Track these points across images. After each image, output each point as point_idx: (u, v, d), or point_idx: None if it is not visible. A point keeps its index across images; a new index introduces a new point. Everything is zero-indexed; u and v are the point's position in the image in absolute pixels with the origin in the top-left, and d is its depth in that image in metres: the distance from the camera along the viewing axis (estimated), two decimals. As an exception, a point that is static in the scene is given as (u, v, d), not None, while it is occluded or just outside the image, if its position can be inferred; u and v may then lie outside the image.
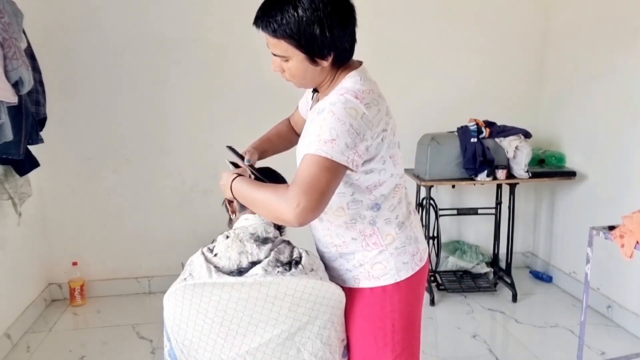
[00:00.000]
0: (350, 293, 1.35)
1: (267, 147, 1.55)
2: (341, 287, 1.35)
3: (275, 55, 1.22)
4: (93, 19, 2.93)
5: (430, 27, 3.25)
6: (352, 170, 1.15)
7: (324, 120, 1.14)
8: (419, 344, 1.42)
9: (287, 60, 1.21)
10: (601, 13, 2.90)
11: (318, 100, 1.33)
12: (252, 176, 1.37)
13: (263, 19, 1.17)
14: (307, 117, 1.48)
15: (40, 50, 2.56)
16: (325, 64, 1.21)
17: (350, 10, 1.19)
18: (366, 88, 1.20)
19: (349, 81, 1.23)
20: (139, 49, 3.00)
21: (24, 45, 2.29)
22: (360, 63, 1.29)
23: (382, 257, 1.30)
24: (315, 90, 1.38)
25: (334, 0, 1.16)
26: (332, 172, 1.11)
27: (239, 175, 1.29)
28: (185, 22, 3.03)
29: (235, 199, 1.28)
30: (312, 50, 1.17)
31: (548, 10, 3.34)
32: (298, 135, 1.61)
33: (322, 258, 1.40)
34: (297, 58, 1.19)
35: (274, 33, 1.16)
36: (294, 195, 1.07)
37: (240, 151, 1.46)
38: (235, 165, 1.43)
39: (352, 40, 1.22)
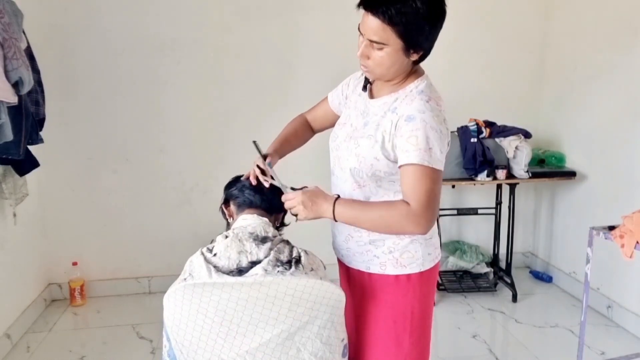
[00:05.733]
0: (374, 279, 1.40)
1: (285, 148, 1.58)
2: (362, 273, 1.41)
3: (371, 41, 1.21)
4: (93, 19, 2.93)
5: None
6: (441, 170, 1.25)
7: (418, 130, 1.21)
8: (430, 334, 1.50)
9: (380, 49, 1.22)
10: (601, 13, 2.90)
11: (372, 91, 1.39)
12: (273, 178, 1.42)
13: (381, 4, 1.16)
14: (338, 110, 1.54)
15: (40, 51, 2.55)
16: (415, 57, 1.26)
17: (445, 10, 1.24)
18: (438, 95, 1.31)
19: (423, 85, 1.31)
20: (139, 49, 3.00)
21: (24, 45, 2.29)
22: (423, 69, 1.36)
23: (412, 246, 1.37)
24: (367, 82, 1.41)
25: None
26: (439, 181, 1.24)
27: (338, 197, 1.31)
28: (185, 22, 3.02)
29: (336, 220, 1.30)
30: (415, 42, 1.21)
31: (548, 11, 3.34)
32: (314, 131, 1.66)
33: (347, 242, 1.43)
34: (394, 47, 1.21)
35: (390, 19, 1.16)
36: (421, 212, 1.21)
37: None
38: (265, 157, 1.46)
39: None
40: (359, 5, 1.21)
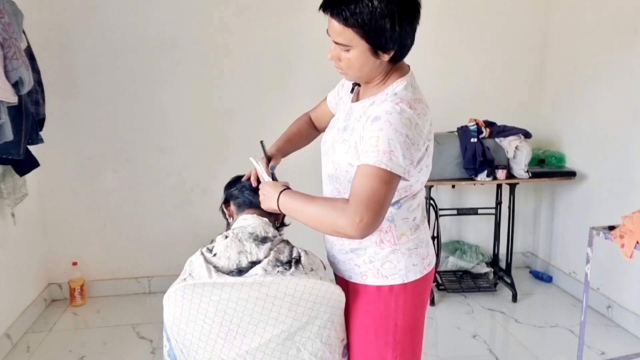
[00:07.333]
0: (356, 289, 1.35)
1: (288, 148, 1.56)
2: (346, 282, 1.36)
3: (336, 43, 1.19)
4: (93, 19, 2.93)
5: (431, 27, 3.23)
6: (406, 180, 1.17)
7: (381, 130, 1.14)
8: (421, 347, 1.42)
9: (348, 50, 1.19)
10: (601, 13, 2.90)
11: (359, 94, 1.35)
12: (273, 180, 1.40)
13: (335, 5, 1.14)
14: (335, 110, 1.50)
15: (40, 50, 2.55)
16: (386, 57, 1.20)
17: (419, 7, 1.19)
18: (417, 97, 1.23)
19: (401, 87, 1.24)
20: (139, 49, 3.00)
21: (24, 45, 2.29)
22: (408, 67, 1.30)
23: (393, 256, 1.30)
24: (356, 84, 1.37)
25: None
26: (391, 184, 1.13)
27: (287, 187, 1.28)
28: (185, 22, 3.02)
29: (281, 211, 1.27)
30: (379, 42, 1.16)
31: (548, 11, 3.34)
32: (318, 130, 1.63)
33: (332, 250, 1.40)
34: (360, 49, 1.17)
35: (345, 21, 1.14)
36: (356, 210, 1.09)
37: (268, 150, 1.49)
38: (269, 159, 1.45)
39: (413, 38, 1.22)
40: (320, 8, 1.18)
